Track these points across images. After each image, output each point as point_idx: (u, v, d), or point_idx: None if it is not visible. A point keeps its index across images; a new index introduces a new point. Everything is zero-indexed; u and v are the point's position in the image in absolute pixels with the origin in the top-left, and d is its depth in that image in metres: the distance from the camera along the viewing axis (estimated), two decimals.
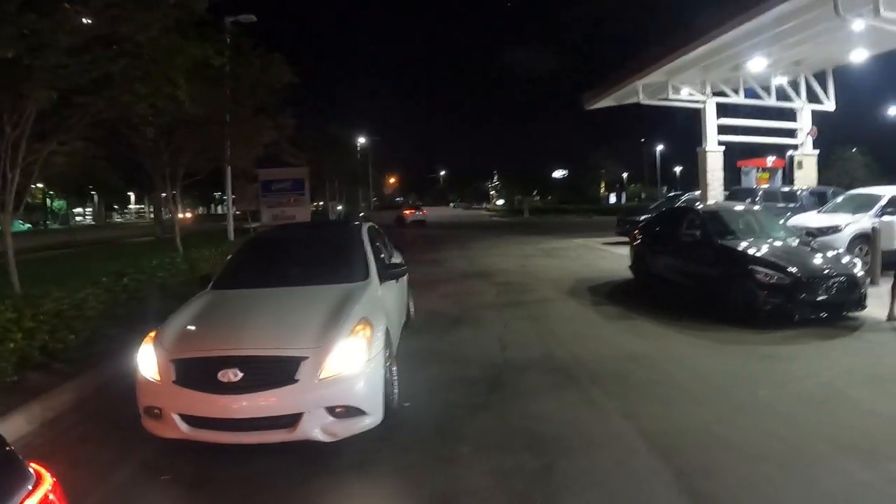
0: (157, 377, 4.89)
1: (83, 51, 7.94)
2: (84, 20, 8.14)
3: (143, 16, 8.27)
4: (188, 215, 43.41)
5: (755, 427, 5.31)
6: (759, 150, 25.66)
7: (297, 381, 4.70)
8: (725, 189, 23.00)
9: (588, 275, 15.09)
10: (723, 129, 23.04)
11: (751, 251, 9.62)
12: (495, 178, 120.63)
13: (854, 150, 56.17)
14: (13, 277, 8.66)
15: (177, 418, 4.75)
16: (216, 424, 4.74)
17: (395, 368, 5.97)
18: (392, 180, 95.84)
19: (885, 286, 9.50)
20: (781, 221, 12.17)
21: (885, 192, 13.85)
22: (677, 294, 11.10)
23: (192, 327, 5.46)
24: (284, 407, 4.69)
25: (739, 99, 23.19)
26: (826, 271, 9.04)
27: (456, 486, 4.45)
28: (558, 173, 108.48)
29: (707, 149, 22.64)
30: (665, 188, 66.73)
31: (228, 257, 7.77)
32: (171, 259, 11.96)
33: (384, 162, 72.09)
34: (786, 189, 21.02)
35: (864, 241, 12.88)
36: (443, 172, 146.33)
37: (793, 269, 8.88)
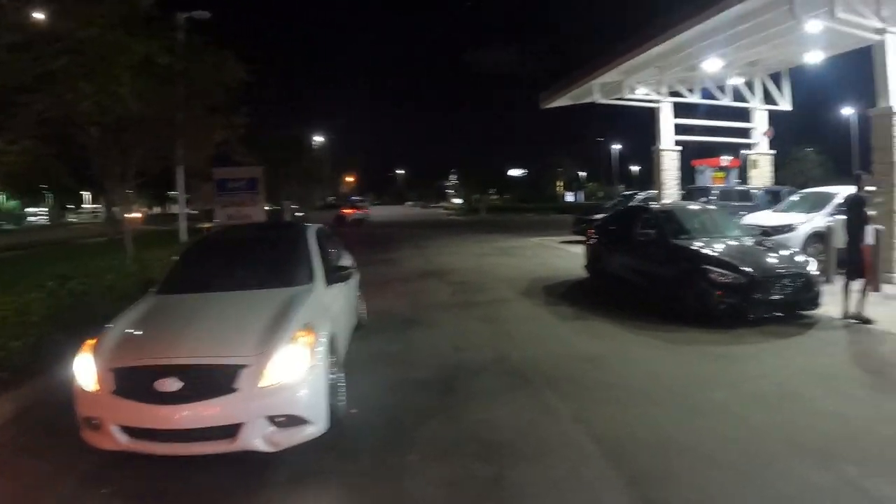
0: (96, 387, 4.77)
1: (25, 47, 7.66)
2: (26, 16, 7.88)
3: (85, 11, 8.00)
4: (138, 215, 42.30)
5: (710, 430, 5.28)
6: (715, 150, 26.08)
7: (236, 390, 4.60)
8: (681, 188, 23.27)
9: (544, 274, 15.12)
10: (679, 129, 23.29)
11: (705, 251, 9.67)
12: (453, 176, 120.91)
13: (810, 149, 57.60)
14: None
15: (116, 430, 4.63)
16: (155, 435, 4.63)
17: (341, 374, 5.88)
18: (350, 179, 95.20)
19: (839, 284, 9.62)
20: (736, 220, 12.26)
21: (839, 191, 14.09)
22: (632, 294, 11.13)
23: (132, 335, 5.30)
24: (224, 417, 4.59)
25: (695, 99, 23.49)
26: (780, 270, 9.14)
27: (402, 497, 4.35)
28: (516, 172, 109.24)
29: (662, 148, 22.87)
30: (622, 187, 67.56)
31: (173, 260, 7.61)
32: (120, 261, 11.64)
33: (342, 161, 71.60)
34: (741, 188, 21.35)
35: (819, 240, 13.11)
36: (401, 171, 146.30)
37: (747, 269, 8.94)
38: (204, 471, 4.70)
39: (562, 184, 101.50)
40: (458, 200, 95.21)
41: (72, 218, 74.24)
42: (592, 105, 25.37)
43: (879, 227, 11.56)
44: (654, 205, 14.42)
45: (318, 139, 61.17)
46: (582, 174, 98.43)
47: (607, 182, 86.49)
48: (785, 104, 23.46)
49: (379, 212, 73.99)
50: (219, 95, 17.37)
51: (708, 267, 9.18)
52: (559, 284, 13.48)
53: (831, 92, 44.26)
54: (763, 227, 13.20)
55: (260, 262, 6.85)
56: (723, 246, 9.89)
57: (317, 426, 4.87)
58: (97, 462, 4.87)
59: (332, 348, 5.61)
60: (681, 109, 23.57)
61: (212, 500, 4.39)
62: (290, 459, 4.79)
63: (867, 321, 8.83)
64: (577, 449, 4.97)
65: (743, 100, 23.49)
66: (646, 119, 24.09)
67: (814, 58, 19.64)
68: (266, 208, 24.31)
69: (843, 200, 13.54)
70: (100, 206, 67.25)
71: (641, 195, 25.06)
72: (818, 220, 13.61)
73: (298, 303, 5.63)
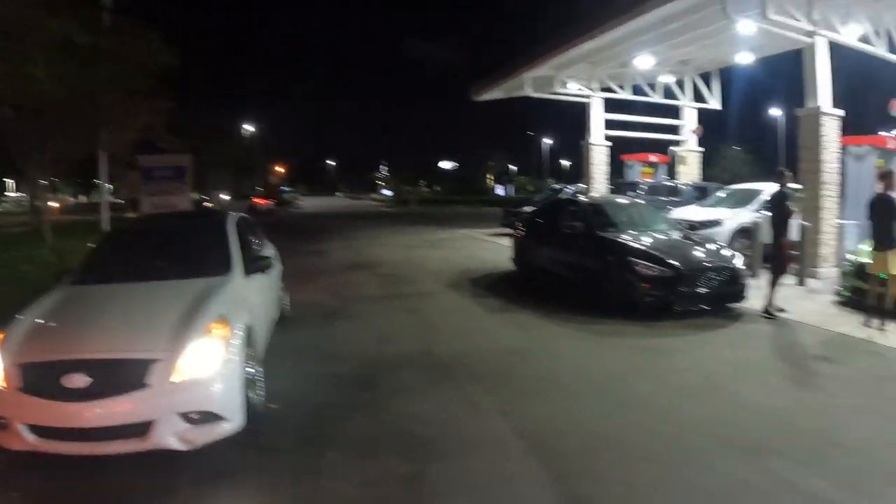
0: (2, 384, 4.56)
1: None
2: None
3: None
4: (55, 204, 40.41)
5: (636, 424, 5.25)
6: (645, 146, 26.53)
7: (148, 385, 4.45)
8: (610, 182, 23.59)
9: (471, 266, 15.08)
10: (609, 124, 23.60)
11: (632, 243, 9.74)
12: (384, 168, 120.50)
13: (737, 148, 59.62)
14: None
15: (23, 429, 4.42)
16: (64, 435, 4.45)
17: (260, 368, 5.72)
18: (280, 169, 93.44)
19: (764, 279, 9.83)
20: (664, 215, 12.42)
21: (765, 187, 14.44)
22: (560, 286, 11.13)
23: (41, 328, 5.06)
24: (135, 414, 4.43)
25: (626, 95, 23.82)
26: (707, 264, 9.28)
27: (320, 497, 4.20)
28: (447, 164, 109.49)
29: (592, 142, 23.13)
30: (552, 181, 68.44)
31: (89, 248, 7.33)
32: (39, 251, 11.06)
33: (273, 150, 70.12)
34: (669, 183, 21.79)
35: (745, 235, 13.44)
36: (332, 162, 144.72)
37: (674, 262, 9.04)
38: (116, 471, 4.50)
39: (492, 177, 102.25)
40: (388, 192, 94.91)
41: None
42: (525, 99, 25.43)
43: (805, 223, 11.97)
44: (582, 198, 14.47)
45: (249, 128, 59.67)
46: (512, 168, 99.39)
47: (538, 176, 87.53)
48: (714, 103, 24.03)
49: (310, 202, 73.06)
50: (144, 79, 16.75)
51: (635, 260, 9.23)
52: (487, 277, 13.46)
53: (759, 92, 46.01)
54: (690, 221, 13.47)
55: (177, 252, 6.69)
56: (650, 239, 9.98)
57: (232, 423, 4.71)
58: (5, 462, 4.61)
59: (250, 341, 5.48)
60: (612, 105, 23.86)
61: (124, 502, 4.22)
62: (205, 458, 4.59)
63: (781, 310, 9.21)
64: (501, 445, 4.86)
65: (673, 97, 23.95)
66: (577, 114, 24.32)
67: (744, 59, 20.17)
68: (206, 199, 23.77)
69: (769, 197, 13.97)
70: (24, 194, 64.49)
71: (570, 189, 25.30)
72: (744, 216, 13.95)
73: (214, 294, 5.48)
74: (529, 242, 12.82)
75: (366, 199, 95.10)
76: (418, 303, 10.75)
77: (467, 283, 12.74)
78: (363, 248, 20.70)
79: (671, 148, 25.29)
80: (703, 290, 9.05)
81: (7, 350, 4.70)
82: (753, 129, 59.20)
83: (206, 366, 4.64)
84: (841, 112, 12.85)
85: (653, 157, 25.22)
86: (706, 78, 23.72)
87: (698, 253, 9.61)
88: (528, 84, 23.64)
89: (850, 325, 8.62)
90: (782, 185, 9.51)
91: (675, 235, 10.48)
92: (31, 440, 4.41)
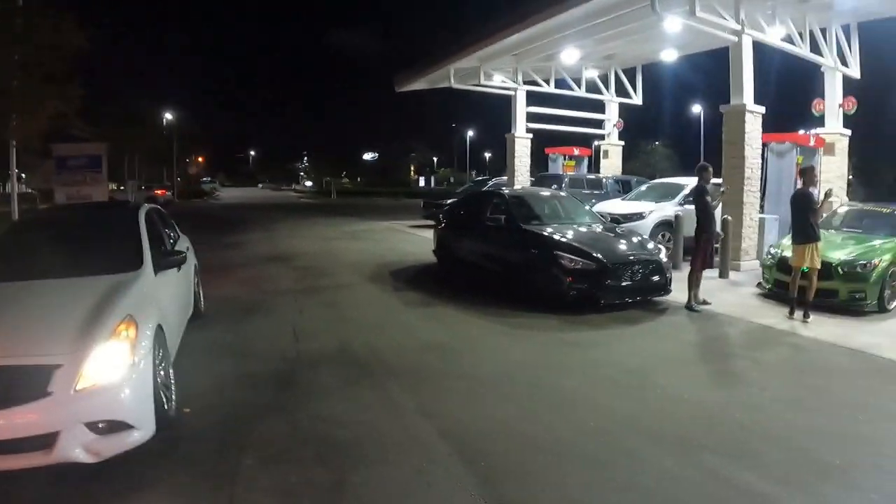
0: None
1: None
2: None
3: None
4: None
5: (564, 422, 5.13)
6: (568, 139, 26.82)
7: (50, 393, 4.10)
8: (532, 175, 23.72)
9: (391, 258, 14.91)
10: (533, 117, 23.77)
11: (555, 237, 9.69)
12: (305, 159, 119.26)
13: (657, 143, 61.40)
14: None
15: None
16: None
17: (171, 371, 5.39)
18: (200, 159, 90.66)
19: (686, 271, 9.94)
20: (587, 208, 12.46)
21: (687, 182, 14.72)
22: (482, 279, 11.00)
23: None
24: (37, 425, 4.08)
25: (550, 89, 23.99)
26: (631, 257, 9.32)
27: None
28: (368, 156, 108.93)
29: (515, 135, 23.25)
30: (474, 173, 68.90)
31: None
32: None
33: (193, 140, 68.04)
34: (591, 176, 22.08)
35: (667, 228, 13.75)
36: (253, 153, 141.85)
37: (598, 255, 9.03)
38: (18, 487, 4.15)
39: (414, 168, 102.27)
40: (309, 183, 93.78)
41: None
42: (448, 90, 25.33)
43: (727, 216, 12.22)
44: (504, 190, 14.41)
45: (168, 117, 57.68)
46: (434, 159, 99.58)
47: (460, 168, 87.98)
48: (636, 99, 24.46)
49: (231, 193, 71.65)
50: (54, 62, 15.77)
51: (559, 253, 9.18)
52: (407, 269, 13.30)
53: (681, 89, 47.31)
54: (613, 214, 13.57)
55: (84, 247, 6.31)
56: (574, 232, 9.97)
57: (143, 431, 4.41)
58: None
59: (161, 342, 5.22)
60: (537, 99, 24.00)
61: None
62: (113, 470, 4.26)
63: (705, 303, 9.44)
64: (423, 447, 4.66)
65: (597, 91, 24.26)
66: (501, 106, 24.38)
67: (669, 56, 20.58)
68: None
69: (690, 191, 14.24)
70: None
71: (493, 181, 25.36)
72: (667, 209, 14.19)
73: (121, 292, 5.14)
74: (451, 234, 12.65)
75: (288, 190, 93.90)
76: (336, 296, 10.49)
77: (387, 275, 12.54)
78: (282, 240, 20.28)
79: (596, 142, 25.67)
80: (627, 284, 9.10)
81: None
82: (674, 124, 61.16)
83: (113, 370, 4.33)
84: (762, 109, 13.25)
85: (576, 151, 25.46)
86: (630, 74, 24.11)
87: (623, 246, 9.64)
88: (452, 75, 23.53)
89: (774, 316, 8.86)
90: (701, 180, 9.62)
91: (599, 228, 10.50)
92: None
